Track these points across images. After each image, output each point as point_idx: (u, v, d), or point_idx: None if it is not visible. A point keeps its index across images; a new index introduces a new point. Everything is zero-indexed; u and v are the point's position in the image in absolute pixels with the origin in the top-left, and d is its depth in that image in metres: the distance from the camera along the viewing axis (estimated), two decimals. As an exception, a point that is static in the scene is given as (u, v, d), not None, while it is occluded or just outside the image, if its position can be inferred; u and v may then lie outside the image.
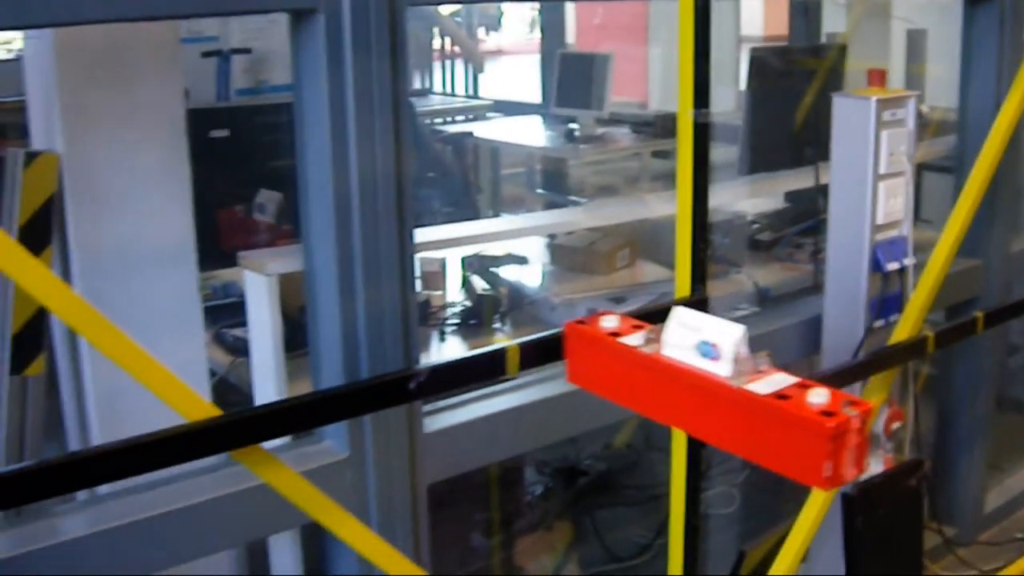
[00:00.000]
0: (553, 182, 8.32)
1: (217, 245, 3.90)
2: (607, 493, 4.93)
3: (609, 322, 2.01)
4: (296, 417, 2.15)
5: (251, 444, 1.99)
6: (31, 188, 2.70)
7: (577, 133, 7.71)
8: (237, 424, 1.99)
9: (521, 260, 4.37)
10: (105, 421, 2.87)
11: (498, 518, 4.45)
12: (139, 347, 1.83)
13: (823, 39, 6.31)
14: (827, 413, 1.64)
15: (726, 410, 1.76)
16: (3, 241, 1.71)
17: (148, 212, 2.75)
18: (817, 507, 2.94)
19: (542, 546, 4.59)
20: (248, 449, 1.99)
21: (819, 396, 1.68)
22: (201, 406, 1.92)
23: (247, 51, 7.39)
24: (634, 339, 1.95)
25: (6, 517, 2.52)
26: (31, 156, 2.72)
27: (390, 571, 2.24)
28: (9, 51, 11.20)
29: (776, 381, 1.74)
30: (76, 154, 2.70)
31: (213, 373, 3.29)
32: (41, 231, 2.70)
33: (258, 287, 2.77)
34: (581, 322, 2.05)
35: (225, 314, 3.68)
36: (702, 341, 1.80)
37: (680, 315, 1.86)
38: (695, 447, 2.68)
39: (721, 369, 1.77)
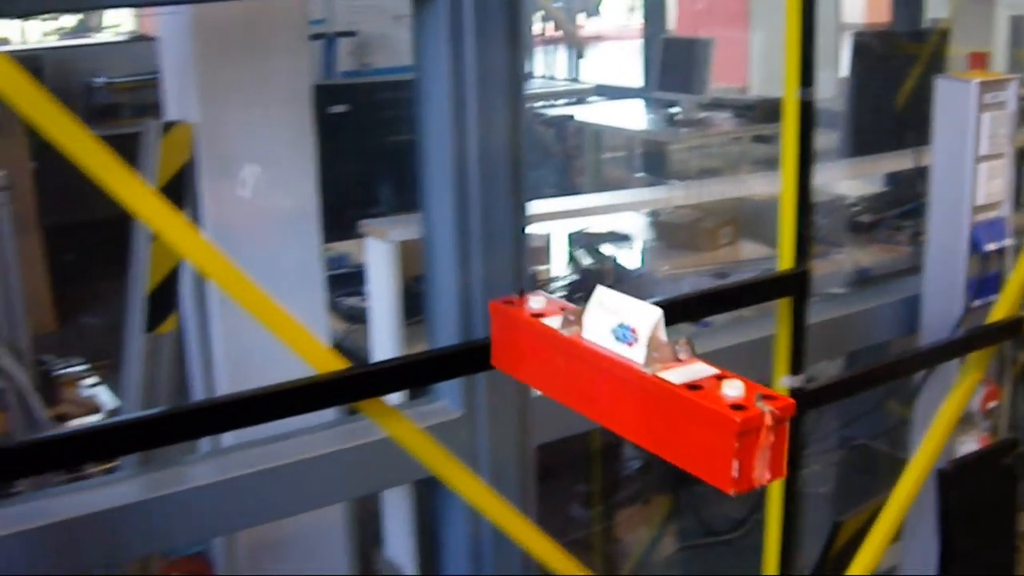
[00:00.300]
0: (653, 165, 8.39)
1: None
2: (704, 470, 4.99)
3: (536, 302, 1.91)
4: (417, 371, 2.27)
5: (375, 396, 2.11)
6: (167, 156, 2.86)
7: (678, 117, 7.78)
8: (363, 376, 2.12)
9: (625, 237, 4.47)
10: (231, 379, 3.02)
11: (598, 490, 4.56)
12: (272, 301, 1.96)
13: (925, 25, 6.32)
14: (738, 407, 1.51)
15: (637, 399, 1.65)
16: (150, 198, 1.85)
17: (276, 181, 2.90)
18: (912, 482, 3.00)
19: (640, 519, 4.69)
20: (372, 402, 2.12)
21: (733, 388, 1.55)
22: (329, 358, 2.05)
23: (352, 34, 7.56)
24: (555, 320, 1.84)
25: (135, 465, 2.70)
26: (168, 126, 2.88)
27: (503, 525, 2.34)
28: (118, 33, 11.56)
29: (693, 371, 1.62)
30: (209, 124, 2.84)
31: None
32: (176, 196, 2.85)
33: (380, 253, 2.91)
34: (508, 301, 1.96)
35: (338, 284, 3.82)
36: (619, 324, 1.68)
37: (601, 296, 1.75)
38: (793, 434, 2.68)
39: (635, 355, 1.64)
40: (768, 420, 1.50)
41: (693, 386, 1.57)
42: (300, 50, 2.92)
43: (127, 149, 2.14)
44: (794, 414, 1.54)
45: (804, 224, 2.52)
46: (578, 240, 4.25)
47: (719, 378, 1.58)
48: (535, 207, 2.91)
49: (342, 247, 4.07)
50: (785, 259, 2.54)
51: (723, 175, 8.02)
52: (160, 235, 1.91)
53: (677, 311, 2.49)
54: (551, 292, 3.93)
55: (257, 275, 1.96)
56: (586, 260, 4.14)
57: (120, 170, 1.78)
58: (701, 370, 1.61)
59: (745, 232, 4.48)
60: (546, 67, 11.94)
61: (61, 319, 7.33)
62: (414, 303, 3.00)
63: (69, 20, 11.70)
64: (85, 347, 6.17)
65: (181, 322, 3.14)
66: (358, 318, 3.58)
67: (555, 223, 4.06)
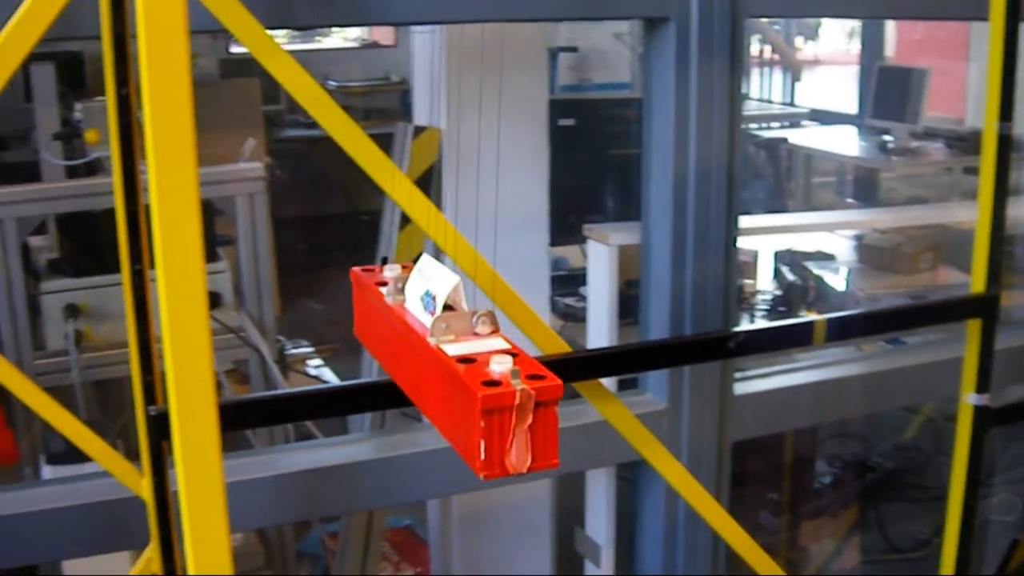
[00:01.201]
0: (863, 191, 8.39)
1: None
2: (893, 489, 5.09)
3: (390, 271, 1.77)
4: (631, 359, 2.51)
5: (594, 378, 2.35)
6: (417, 157, 3.17)
7: (891, 145, 7.80)
8: (586, 359, 2.38)
9: (829, 256, 4.62)
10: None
11: (787, 501, 4.69)
12: (511, 288, 2.21)
13: None
14: (492, 383, 1.36)
15: (422, 369, 1.56)
16: (411, 188, 2.14)
17: (512, 185, 3.17)
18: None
19: (826, 531, 4.80)
20: (592, 384, 2.36)
21: (501, 364, 1.39)
22: (558, 342, 2.30)
23: (573, 49, 7.76)
24: (386, 288, 1.73)
25: (372, 428, 3.02)
26: (419, 130, 3.19)
27: (702, 512, 2.53)
28: (347, 39, 12.05)
29: (481, 345, 1.47)
30: (455, 129, 3.14)
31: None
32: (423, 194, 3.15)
33: (601, 256, 3.15)
34: (368, 269, 1.86)
35: (556, 284, 4.07)
36: (426, 292, 1.58)
37: (422, 262, 1.65)
38: (976, 451, 2.74)
39: (428, 323, 1.53)
40: (518, 399, 1.34)
41: (466, 359, 1.43)
42: (540, 66, 3.20)
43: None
44: (559, 396, 1.37)
45: (997, 251, 2.65)
46: (784, 257, 4.42)
47: (503, 353, 1.43)
48: (746, 221, 3.11)
49: (559, 251, 4.32)
50: (977, 282, 2.67)
51: (931, 204, 8.00)
52: (416, 222, 2.20)
53: (870, 324, 2.68)
54: (755, 306, 4.15)
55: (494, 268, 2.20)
56: (790, 276, 4.30)
57: (386, 163, 2.07)
58: (491, 345, 1.47)
59: (945, 259, 4.58)
60: (762, 89, 11.99)
61: (285, 304, 7.76)
62: (625, 305, 3.25)
63: (302, 25, 12.14)
64: (308, 331, 6.60)
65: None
66: (572, 316, 3.84)
67: (763, 239, 4.23)
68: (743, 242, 3.60)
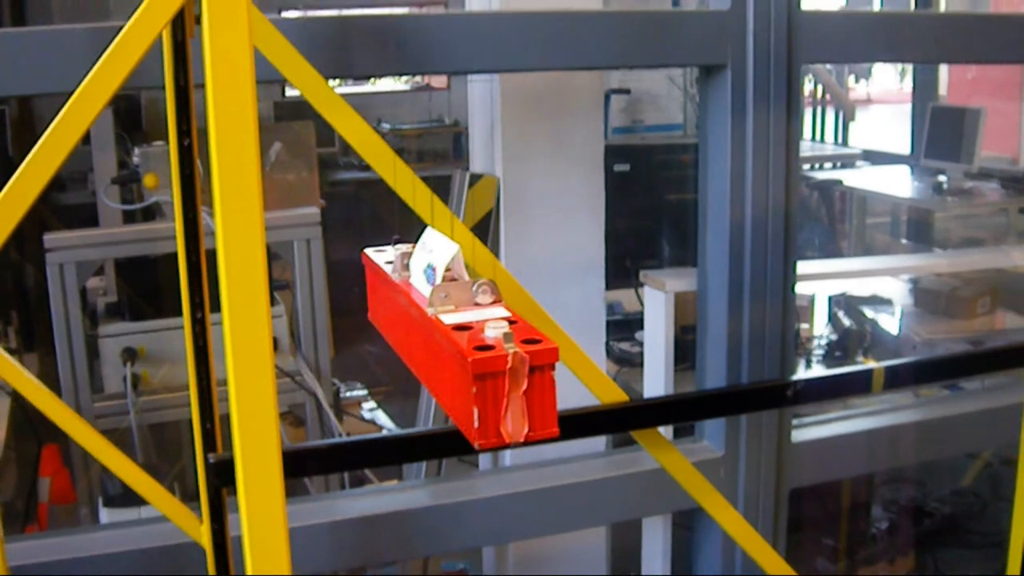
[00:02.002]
0: (918, 232, 8.35)
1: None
2: (951, 535, 5.01)
3: (400, 248, 1.75)
4: (690, 408, 2.52)
5: (652, 426, 2.35)
6: (473, 204, 3.19)
7: (945, 186, 7.76)
8: (642, 408, 2.39)
9: (885, 301, 4.60)
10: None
11: (844, 547, 4.66)
12: (568, 336, 2.22)
13: None
14: (485, 348, 1.32)
15: (422, 339, 1.53)
16: (468, 238, 2.15)
17: (569, 231, 3.18)
18: None
19: (883, 576, 4.76)
20: (649, 432, 2.36)
21: (495, 329, 1.35)
22: (615, 390, 2.30)
23: (626, 91, 7.77)
24: (391, 264, 1.73)
25: (428, 475, 3.03)
26: (475, 177, 3.21)
27: (759, 560, 2.51)
28: (406, 82, 12.16)
29: (481, 314, 1.45)
30: (512, 177, 3.15)
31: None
32: (480, 240, 3.17)
33: (657, 302, 3.15)
34: (380, 250, 1.84)
35: (612, 329, 4.08)
36: (428, 264, 1.56)
37: (426, 235, 1.65)
38: None
39: (427, 293, 1.50)
40: (511, 362, 1.30)
41: (463, 327, 1.41)
42: (596, 113, 3.21)
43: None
44: (555, 361, 1.34)
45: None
46: (839, 301, 4.41)
47: (502, 320, 1.40)
48: (803, 267, 3.11)
49: (614, 295, 4.33)
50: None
51: (986, 245, 7.95)
52: (474, 269, 2.21)
53: (928, 372, 2.67)
54: (811, 351, 4.13)
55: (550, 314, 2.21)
56: (846, 321, 4.29)
57: (443, 210, 2.09)
58: (491, 314, 1.45)
59: (1003, 302, 4.55)
60: (815, 130, 11.97)
61: (339, 346, 7.80)
62: (681, 351, 3.24)
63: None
64: (362, 374, 6.63)
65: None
66: (628, 361, 3.84)
67: (820, 284, 4.22)
68: (800, 288, 3.59)
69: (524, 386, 1.31)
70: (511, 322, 1.39)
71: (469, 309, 1.46)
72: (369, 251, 1.85)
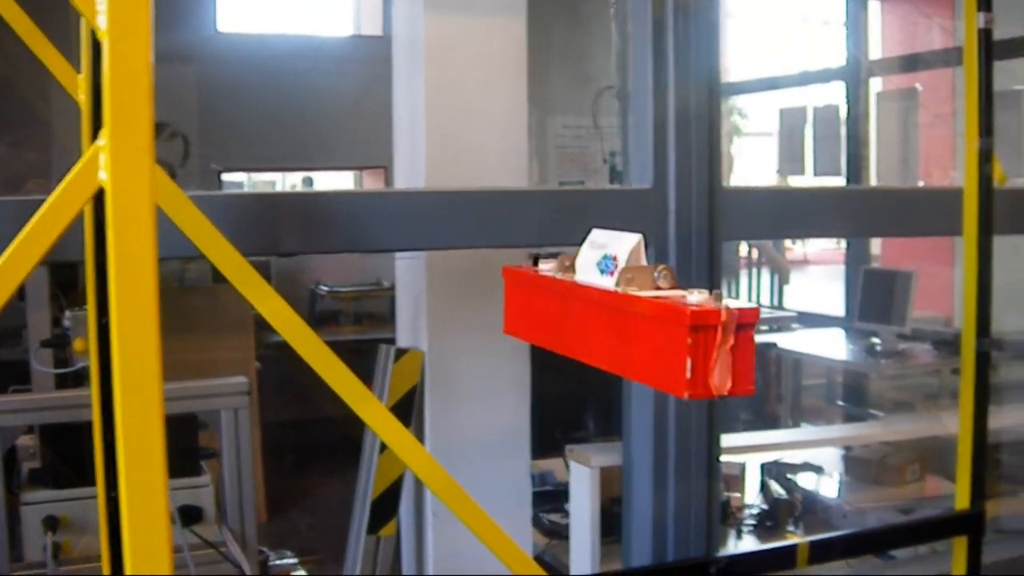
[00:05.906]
0: (853, 395, 8.42)
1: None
2: None
3: (546, 264, 1.91)
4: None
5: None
6: (398, 379, 3.19)
7: (879, 348, 7.84)
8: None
9: (817, 469, 4.61)
10: (442, 581, 3.27)
11: None
12: (486, 515, 2.20)
13: None
14: (695, 307, 1.49)
15: (606, 319, 1.64)
16: (383, 415, 2.14)
17: (495, 408, 3.19)
18: None
19: None
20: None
21: (697, 296, 1.53)
22: (535, 569, 2.27)
23: (554, 256, 7.82)
24: (550, 267, 1.87)
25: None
26: (400, 352, 3.22)
27: None
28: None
29: (667, 293, 1.60)
30: (437, 352, 3.16)
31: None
32: (403, 416, 3.17)
33: (582, 477, 3.14)
34: (520, 268, 1.99)
35: (542, 500, 4.05)
36: (603, 256, 1.68)
37: (593, 235, 1.76)
38: None
39: (607, 284, 1.65)
40: (723, 316, 1.45)
41: (659, 298, 1.56)
42: (523, 288, 3.23)
43: (346, 355, 2.38)
44: (758, 320, 1.50)
45: (980, 466, 2.66)
46: (770, 470, 4.41)
47: (698, 292, 1.55)
48: (729, 440, 3.11)
49: (547, 464, 4.31)
50: (961, 499, 2.67)
51: (919, 408, 8.01)
52: (390, 448, 2.19)
53: (853, 545, 2.66)
54: (742, 521, 4.11)
55: (472, 489, 2.20)
56: (777, 490, 4.29)
57: (359, 389, 2.08)
58: (676, 293, 1.59)
59: (933, 467, 4.57)
60: (750, 292, 12.10)
61: (271, 511, 7.69)
62: (610, 522, 3.22)
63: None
64: (293, 540, 6.52)
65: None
66: (558, 534, 3.80)
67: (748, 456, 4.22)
68: (732, 456, 3.59)
69: (732, 342, 1.46)
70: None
71: (652, 290, 1.60)
72: (511, 267, 2.01)
